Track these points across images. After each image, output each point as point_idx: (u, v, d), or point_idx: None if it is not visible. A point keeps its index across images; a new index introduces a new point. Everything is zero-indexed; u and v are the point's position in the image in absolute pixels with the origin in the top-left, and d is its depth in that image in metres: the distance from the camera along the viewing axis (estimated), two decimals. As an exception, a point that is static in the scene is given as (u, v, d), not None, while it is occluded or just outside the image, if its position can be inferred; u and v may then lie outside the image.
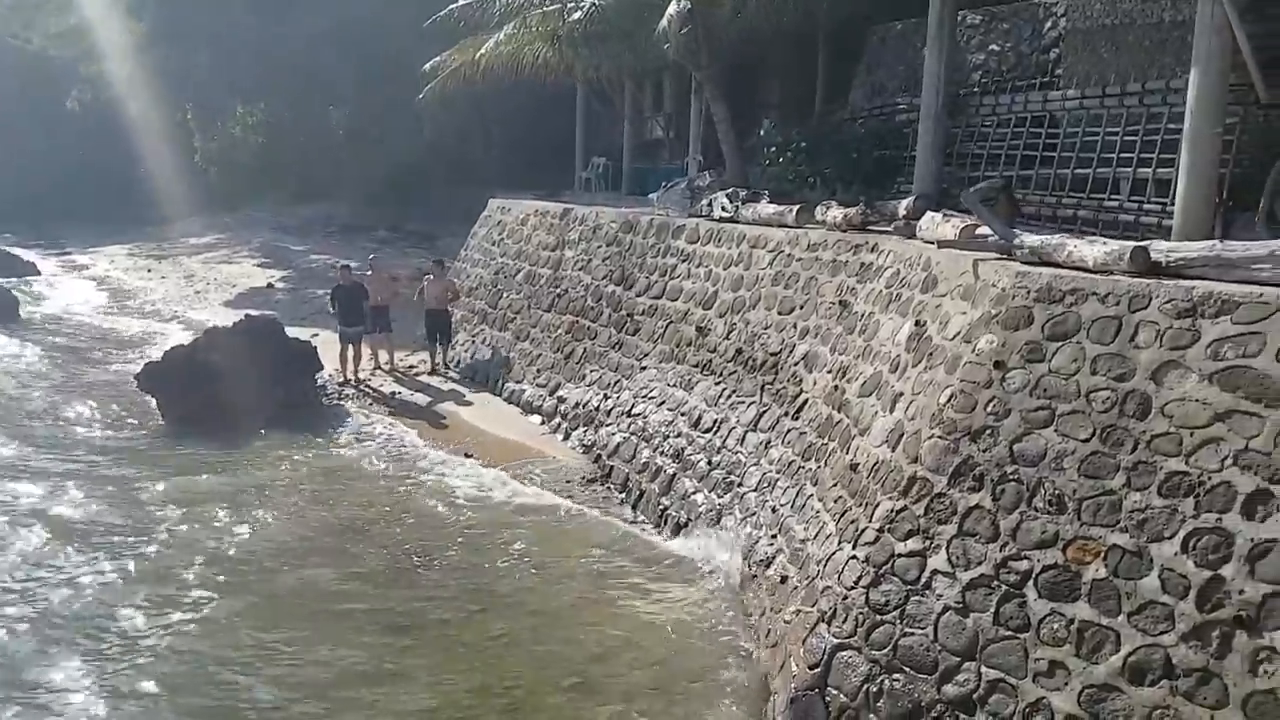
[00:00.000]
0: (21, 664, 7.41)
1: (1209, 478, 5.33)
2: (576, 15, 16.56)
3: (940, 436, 6.73)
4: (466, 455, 12.69)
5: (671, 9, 14.92)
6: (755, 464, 9.84)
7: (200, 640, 7.81)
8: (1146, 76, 11.75)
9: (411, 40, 23.33)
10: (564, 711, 7.04)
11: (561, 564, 9.51)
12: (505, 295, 16.81)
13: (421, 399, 15.45)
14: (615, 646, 7.94)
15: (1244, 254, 5.74)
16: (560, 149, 27.25)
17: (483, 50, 17.00)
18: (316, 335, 19.42)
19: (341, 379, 16.03)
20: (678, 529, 10.34)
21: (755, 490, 9.57)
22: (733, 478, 10.04)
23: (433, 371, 16.78)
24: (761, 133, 17.48)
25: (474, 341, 17.02)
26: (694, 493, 10.46)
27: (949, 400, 6.80)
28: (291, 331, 18.11)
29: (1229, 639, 5.00)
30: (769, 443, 9.84)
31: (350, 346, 16.14)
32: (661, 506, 10.78)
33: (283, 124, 30.93)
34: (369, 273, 17.15)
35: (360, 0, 26.30)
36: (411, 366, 17.08)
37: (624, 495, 11.50)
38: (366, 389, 15.83)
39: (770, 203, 12.40)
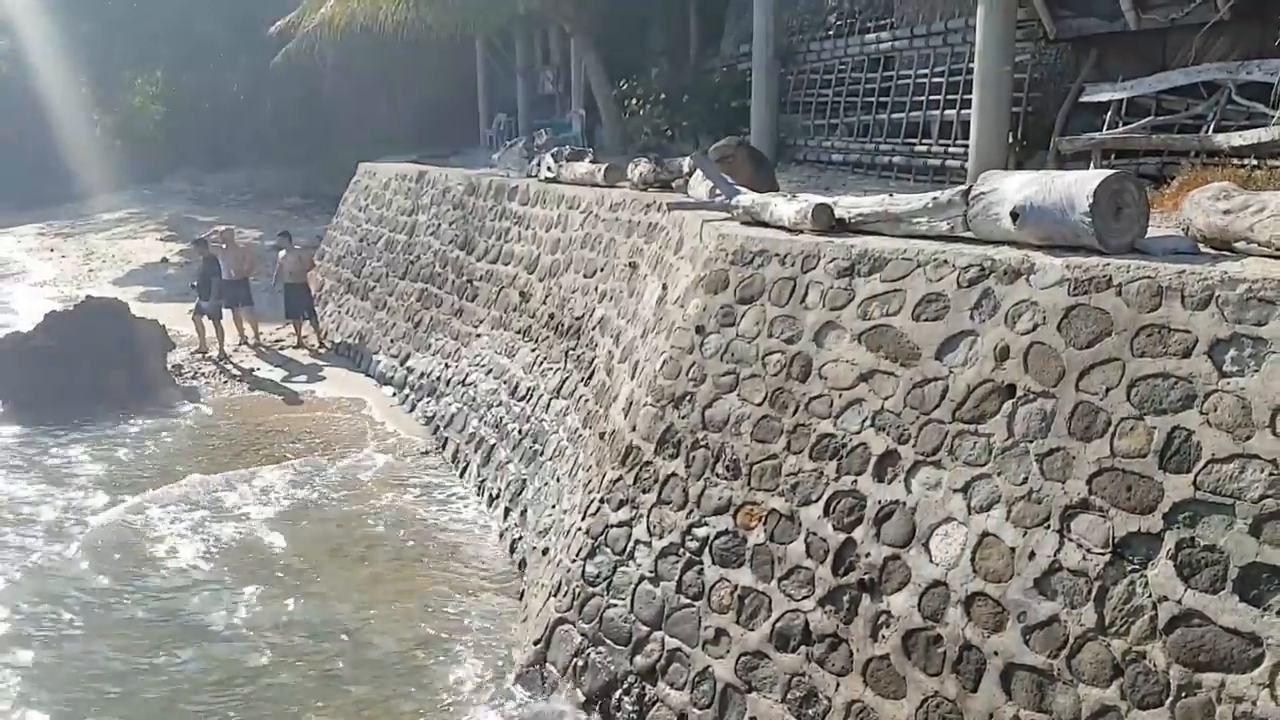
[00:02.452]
0: None
1: (850, 439, 5.27)
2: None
3: (651, 404, 6.64)
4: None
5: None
6: (555, 432, 9.73)
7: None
8: (968, 14, 11.55)
9: (293, 2, 22.80)
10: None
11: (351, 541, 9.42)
12: (368, 264, 16.57)
13: (279, 374, 15.23)
14: (378, 618, 7.88)
15: (906, 207, 5.62)
16: (466, 107, 26.86)
17: (323, 10, 16.54)
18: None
19: (202, 355, 15.79)
20: (492, 501, 10.26)
21: (550, 459, 9.48)
22: (537, 446, 9.94)
23: (299, 346, 16.54)
24: (624, 84, 17.21)
25: (340, 312, 16.79)
26: (506, 462, 10.36)
27: (661, 366, 6.70)
28: (168, 308, 17.95)
29: (856, 603, 4.96)
30: (567, 410, 9.73)
31: (208, 322, 15.86)
32: (481, 478, 10.69)
33: (180, 92, 30.22)
34: (224, 246, 16.78)
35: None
36: (279, 341, 16.82)
37: (455, 467, 11.41)
38: (224, 367, 15.57)
39: (592, 161, 12.18)
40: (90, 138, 36.60)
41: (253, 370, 15.45)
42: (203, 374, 15.25)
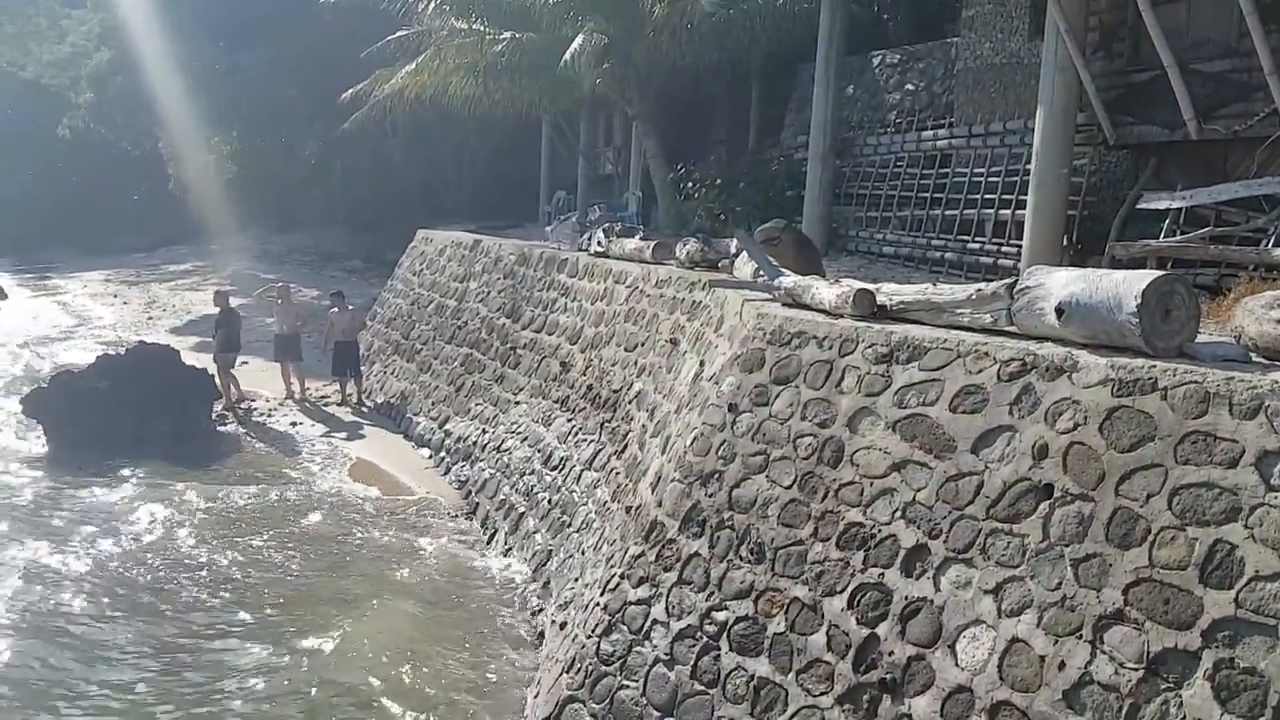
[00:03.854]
0: None
1: (879, 530, 5.10)
2: (497, 48, 16.62)
3: (679, 480, 6.52)
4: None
5: (577, 43, 14.92)
6: (584, 504, 9.62)
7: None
8: (1027, 116, 11.55)
9: (369, 71, 23.55)
10: None
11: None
12: (417, 326, 16.73)
13: (319, 430, 15.32)
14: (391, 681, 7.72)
15: (949, 297, 5.52)
16: (529, 183, 27.41)
17: (394, 81, 17.02)
18: (245, 362, 19.53)
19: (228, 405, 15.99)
20: (520, 566, 10.13)
21: (578, 531, 9.35)
22: (565, 517, 9.83)
23: (343, 403, 16.66)
24: (681, 169, 17.41)
25: (385, 373, 16.93)
26: (534, 532, 10.24)
27: (692, 443, 6.59)
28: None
29: (876, 704, 4.74)
30: (598, 482, 9.62)
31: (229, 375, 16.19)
32: (508, 546, 10.57)
33: (253, 153, 31.18)
34: (279, 301, 17.09)
35: (316, 31, 26.49)
36: (324, 397, 16.97)
37: (484, 533, 11.30)
38: (266, 419, 15.72)
39: (642, 238, 12.26)
40: (164, 192, 37.86)
41: (295, 424, 15.57)
42: (245, 425, 15.39)
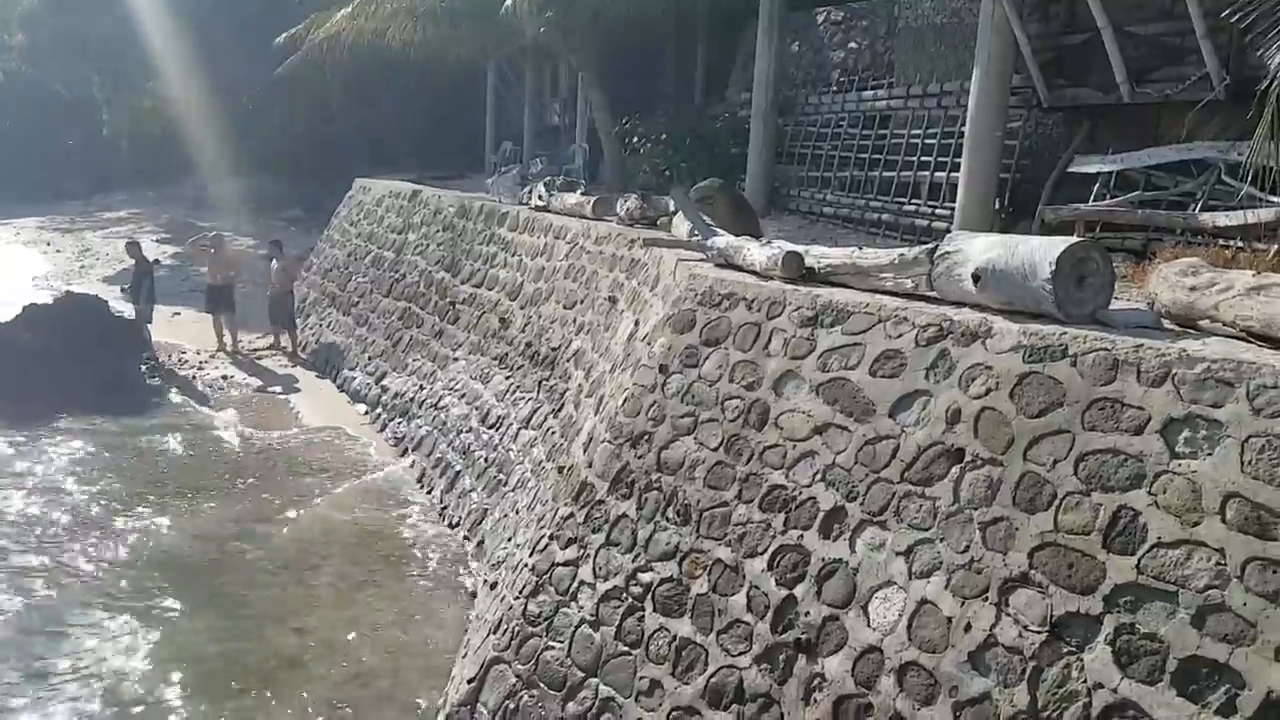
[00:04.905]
0: None
1: (800, 492, 5.14)
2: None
3: (610, 441, 6.51)
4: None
5: (521, -11, 14.65)
6: (521, 463, 9.59)
7: None
8: (965, 77, 11.56)
9: (306, 14, 22.90)
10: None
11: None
12: (354, 279, 16.49)
13: (253, 383, 15.11)
14: (332, 645, 7.68)
15: (874, 262, 5.54)
16: (475, 133, 26.96)
17: (329, 25, 16.59)
18: (178, 314, 19.14)
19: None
20: (453, 528, 10.09)
21: (514, 491, 9.32)
22: (501, 476, 9.80)
23: (278, 353, 16.43)
24: (627, 122, 17.23)
25: (321, 325, 16.68)
26: (470, 490, 10.21)
27: (623, 404, 6.58)
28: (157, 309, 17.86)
29: (791, 664, 4.81)
30: (534, 441, 9.59)
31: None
32: (443, 505, 10.53)
33: (188, 99, 30.30)
34: (212, 251, 16.72)
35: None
36: (256, 350, 16.71)
37: (420, 489, 11.25)
38: (197, 371, 15.43)
39: (582, 193, 12.14)
40: (98, 138, 36.73)
41: (226, 377, 15.31)
42: (176, 378, 15.09)
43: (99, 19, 28.33)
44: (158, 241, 28.95)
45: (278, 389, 14.88)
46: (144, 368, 14.79)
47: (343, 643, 7.73)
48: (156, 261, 25.07)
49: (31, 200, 37.41)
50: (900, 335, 5.04)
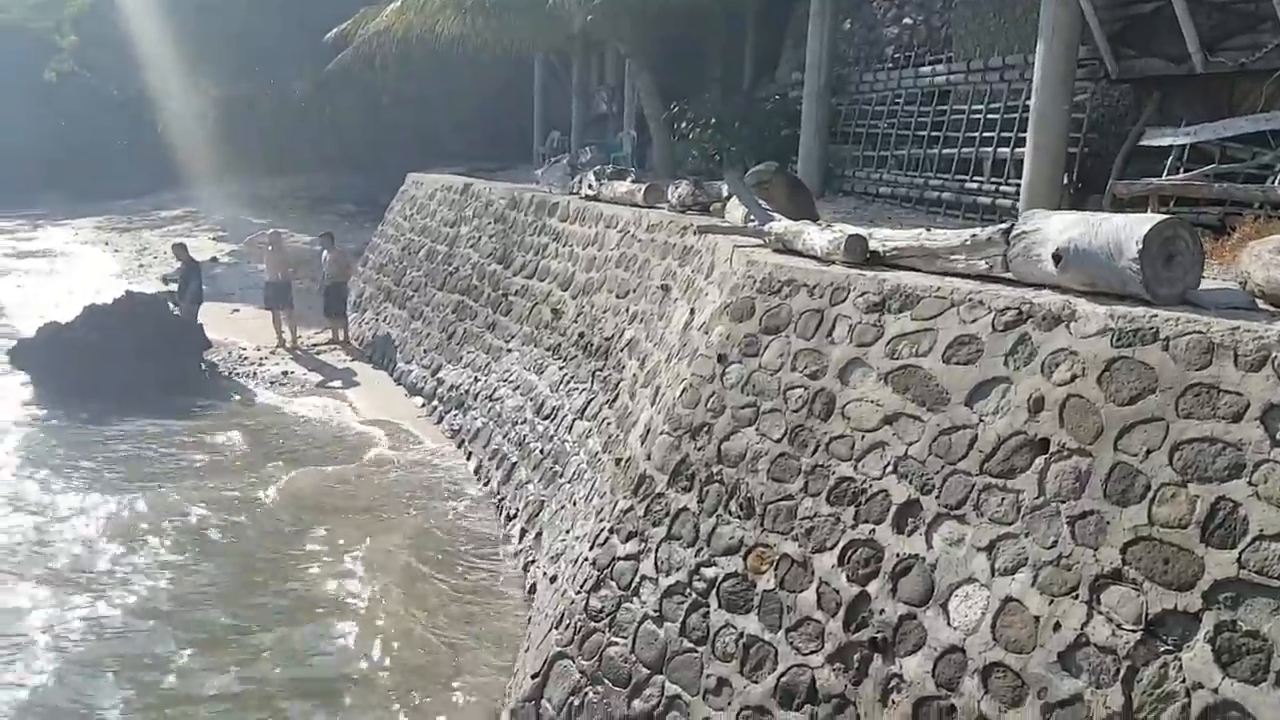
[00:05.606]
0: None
1: (871, 485, 4.95)
2: (481, -15, 16.16)
3: (668, 432, 6.37)
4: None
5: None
6: (576, 454, 9.48)
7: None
8: (1027, 49, 11.20)
9: (355, 9, 22.99)
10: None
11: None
12: (408, 273, 16.51)
13: (314, 378, 15.20)
14: (401, 636, 7.66)
15: (943, 243, 5.32)
16: (523, 124, 26.93)
17: (379, 20, 16.59)
18: (237, 310, 19.36)
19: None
20: (509, 520, 10.03)
21: (570, 482, 9.23)
22: (557, 468, 9.71)
23: (335, 344, 16.55)
24: (676, 108, 17.03)
25: (377, 319, 16.74)
26: (526, 483, 10.13)
27: (681, 394, 6.43)
28: (209, 307, 18.07)
29: (867, 663, 4.64)
30: (589, 432, 9.48)
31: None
32: (500, 496, 10.48)
33: (241, 96, 30.65)
34: (269, 248, 16.86)
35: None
36: (315, 345, 16.83)
37: (477, 482, 11.21)
38: (257, 368, 15.56)
39: (633, 181, 11.98)
40: (151, 137, 37.27)
41: (286, 373, 15.42)
42: (237, 374, 15.24)
43: (148, 19, 28.69)
44: (214, 240, 29.38)
45: (337, 383, 14.97)
46: (204, 365, 14.94)
47: (408, 634, 7.70)
48: (214, 259, 25.55)
49: (88, 200, 38.04)
50: (975, 320, 4.82)
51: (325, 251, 16.64)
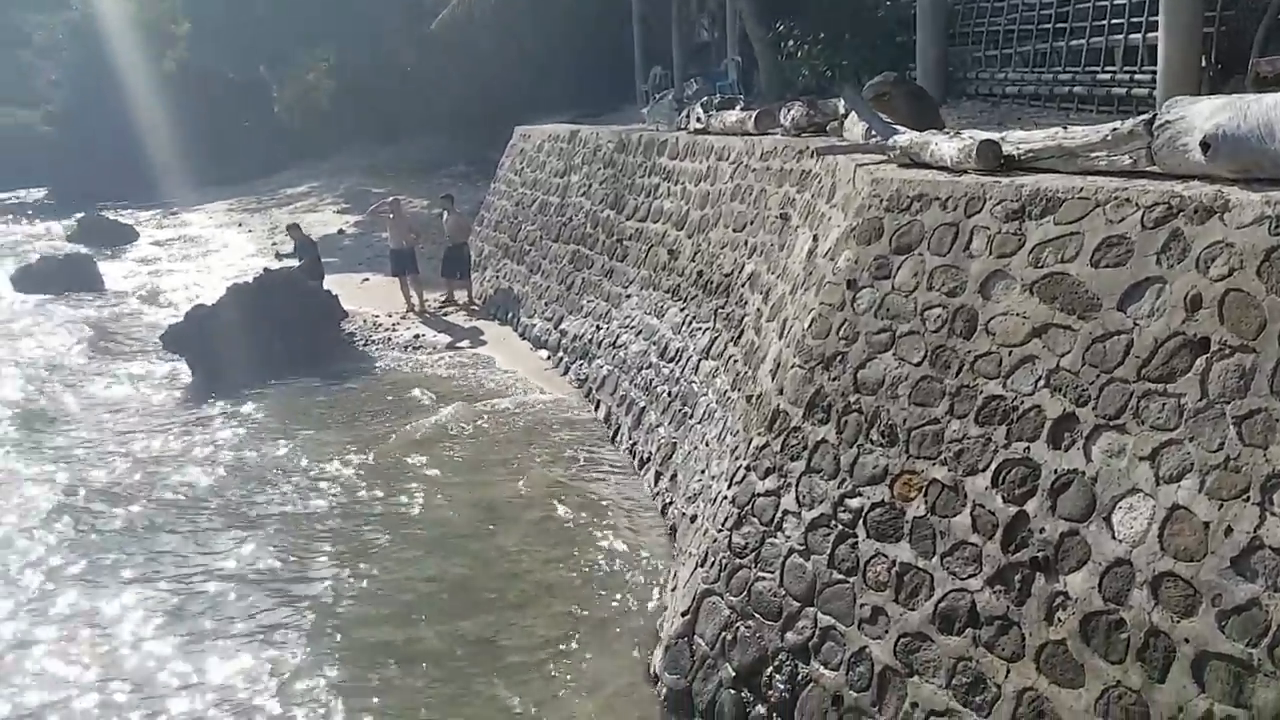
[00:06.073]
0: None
1: (1022, 402, 4.75)
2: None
3: (800, 365, 6.25)
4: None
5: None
6: (704, 394, 9.45)
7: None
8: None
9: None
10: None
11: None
12: (523, 227, 16.63)
13: (442, 339, 15.56)
14: (546, 585, 7.85)
15: (1082, 140, 5.00)
16: (624, 64, 26.64)
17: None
18: (367, 279, 19.93)
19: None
20: (643, 464, 10.10)
21: (700, 423, 9.21)
22: (686, 409, 9.69)
23: (453, 305, 16.91)
24: (779, 27, 16.53)
25: (497, 277, 16.97)
26: (656, 426, 10.16)
27: (810, 325, 6.29)
28: (339, 278, 18.70)
29: (1028, 583, 4.48)
30: (716, 371, 9.42)
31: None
32: (632, 441, 10.55)
33: (350, 67, 31.26)
34: (391, 216, 17.23)
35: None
36: (441, 307, 17.21)
37: (607, 429, 11.32)
38: (391, 334, 16.00)
39: (742, 108, 11.70)
40: (269, 117, 38.44)
41: (417, 336, 15.81)
42: (372, 341, 15.69)
43: (254, 2, 29.43)
44: (338, 212, 30.27)
45: (465, 343, 15.29)
46: (342, 335, 15.44)
47: (555, 582, 7.87)
48: (340, 231, 26.39)
49: (216, 184, 39.58)
50: (1123, 219, 4.53)
51: (445, 214, 16.93)
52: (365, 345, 15.54)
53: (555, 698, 6.37)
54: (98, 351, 15.84)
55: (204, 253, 26.98)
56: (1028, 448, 4.66)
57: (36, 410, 13.00)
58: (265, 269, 15.66)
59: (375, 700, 6.44)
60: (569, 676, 6.60)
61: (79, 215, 32.85)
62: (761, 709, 5.58)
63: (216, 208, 36.63)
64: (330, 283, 17.20)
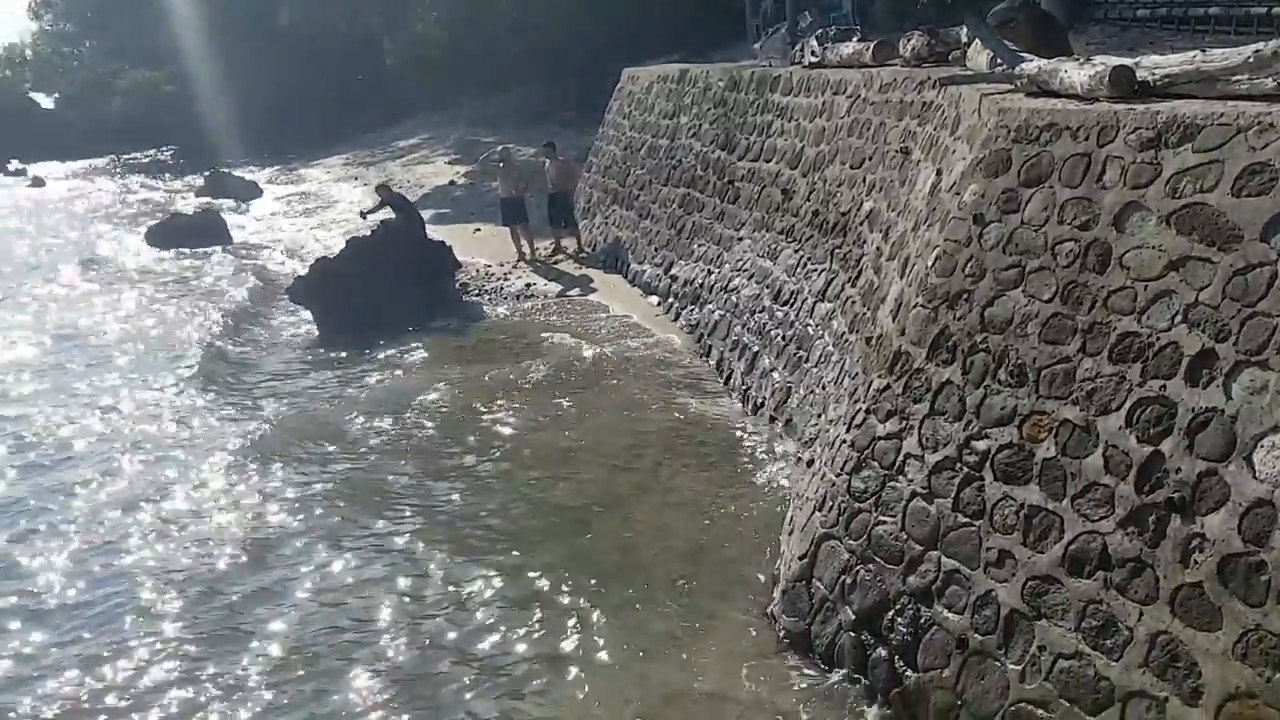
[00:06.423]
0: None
1: (1158, 338, 4.56)
2: None
3: (923, 304, 6.12)
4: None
5: None
6: (820, 337, 9.34)
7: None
8: None
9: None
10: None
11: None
12: (632, 172, 16.57)
13: (553, 288, 15.71)
14: (661, 528, 7.95)
15: (1222, 64, 4.72)
16: (733, 1, 26.12)
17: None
18: (478, 230, 20.21)
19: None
20: (757, 409, 10.07)
21: (816, 366, 9.12)
22: (801, 352, 9.61)
23: (562, 253, 17.03)
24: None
25: (606, 223, 17.00)
26: (770, 370, 10.11)
27: (934, 262, 6.14)
28: (452, 229, 19.03)
29: (1163, 525, 4.34)
30: (832, 314, 9.29)
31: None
32: (745, 386, 10.52)
33: (459, 17, 31.45)
34: (501, 165, 17.38)
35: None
36: (550, 255, 17.35)
37: (719, 375, 11.32)
38: (503, 283, 16.22)
39: (859, 40, 11.36)
40: (383, 70, 39.05)
41: (529, 285, 16.00)
42: (485, 291, 15.94)
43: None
44: (449, 163, 30.72)
45: (576, 290, 15.41)
46: (456, 285, 15.74)
47: (670, 524, 7.95)
48: (451, 183, 26.82)
49: (331, 139, 40.52)
50: (1266, 145, 4.28)
51: (548, 162, 16.99)
52: (478, 295, 15.79)
53: (673, 637, 6.46)
54: (232, 303, 16.50)
55: (322, 206, 27.71)
56: (1164, 386, 4.48)
57: (215, 352, 13.70)
58: (382, 222, 15.92)
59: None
60: (686, 615, 6.69)
61: (205, 173, 34.08)
62: (882, 651, 5.57)
63: (333, 162, 37.52)
64: (443, 233, 17.53)
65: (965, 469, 5.42)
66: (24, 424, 11.24)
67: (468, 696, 6.07)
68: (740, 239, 12.24)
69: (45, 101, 55.93)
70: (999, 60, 6.53)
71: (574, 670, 6.20)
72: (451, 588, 7.29)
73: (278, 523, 8.52)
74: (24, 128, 49.95)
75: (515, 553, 7.73)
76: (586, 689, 6.01)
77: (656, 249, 14.68)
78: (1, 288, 19.16)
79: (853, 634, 5.75)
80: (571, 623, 6.69)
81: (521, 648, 6.51)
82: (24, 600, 7.49)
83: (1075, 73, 5.67)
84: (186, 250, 21.72)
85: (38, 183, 38.73)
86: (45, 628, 7.08)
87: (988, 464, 5.29)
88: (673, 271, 13.86)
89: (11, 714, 6.15)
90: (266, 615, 7.07)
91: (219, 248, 22.08)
